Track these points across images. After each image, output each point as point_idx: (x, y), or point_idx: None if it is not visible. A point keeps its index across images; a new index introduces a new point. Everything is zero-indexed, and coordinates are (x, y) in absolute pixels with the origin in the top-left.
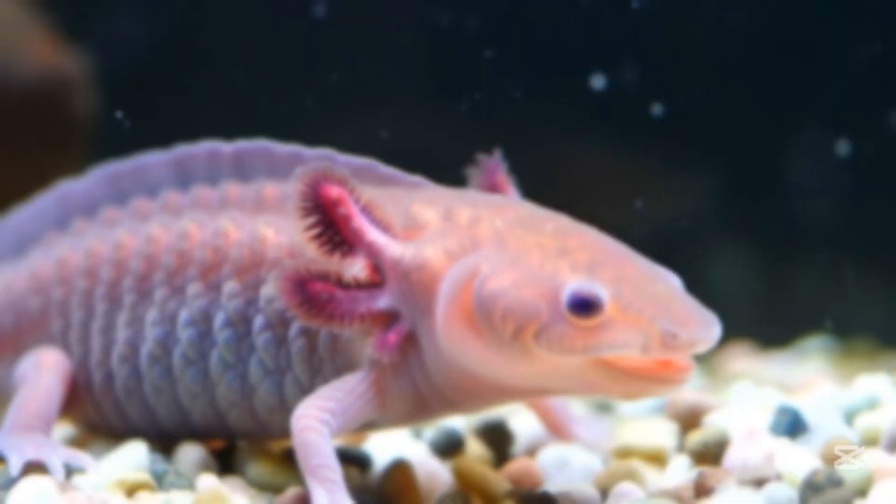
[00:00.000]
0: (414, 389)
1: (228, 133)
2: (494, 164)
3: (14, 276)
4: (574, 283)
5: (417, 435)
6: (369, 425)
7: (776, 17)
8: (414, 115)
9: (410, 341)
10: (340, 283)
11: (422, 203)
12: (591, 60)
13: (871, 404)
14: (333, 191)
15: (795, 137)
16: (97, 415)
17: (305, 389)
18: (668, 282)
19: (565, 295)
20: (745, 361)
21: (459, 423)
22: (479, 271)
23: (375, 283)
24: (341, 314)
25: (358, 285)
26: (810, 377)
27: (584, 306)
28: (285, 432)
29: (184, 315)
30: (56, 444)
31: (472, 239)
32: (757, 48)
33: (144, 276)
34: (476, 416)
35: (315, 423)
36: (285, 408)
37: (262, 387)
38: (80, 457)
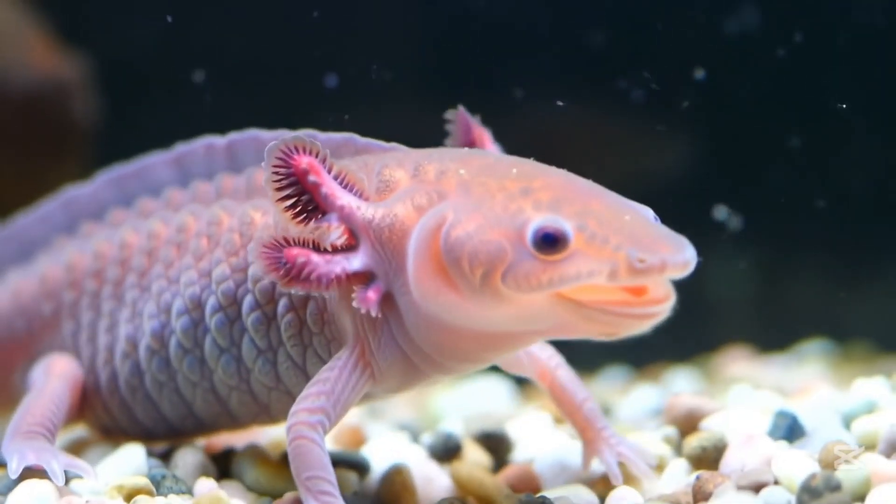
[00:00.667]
0: (400, 354)
1: (223, 131)
2: (465, 118)
3: (24, 282)
4: (538, 220)
5: (415, 439)
6: (369, 397)
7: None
8: (409, 109)
9: (389, 304)
10: (317, 248)
11: (392, 165)
12: (590, 64)
13: (869, 408)
14: (303, 160)
15: (795, 140)
16: (108, 417)
17: (298, 365)
18: (638, 212)
19: (529, 232)
20: (743, 365)
21: (458, 427)
22: (445, 220)
23: (351, 246)
24: (318, 277)
25: (334, 249)
26: (808, 381)
27: (549, 241)
28: (286, 413)
29: (177, 304)
30: (57, 451)
31: (439, 191)
32: (761, 49)
33: (145, 272)
34: (474, 422)
35: (306, 429)
36: (282, 385)
37: (257, 367)
38: (80, 465)
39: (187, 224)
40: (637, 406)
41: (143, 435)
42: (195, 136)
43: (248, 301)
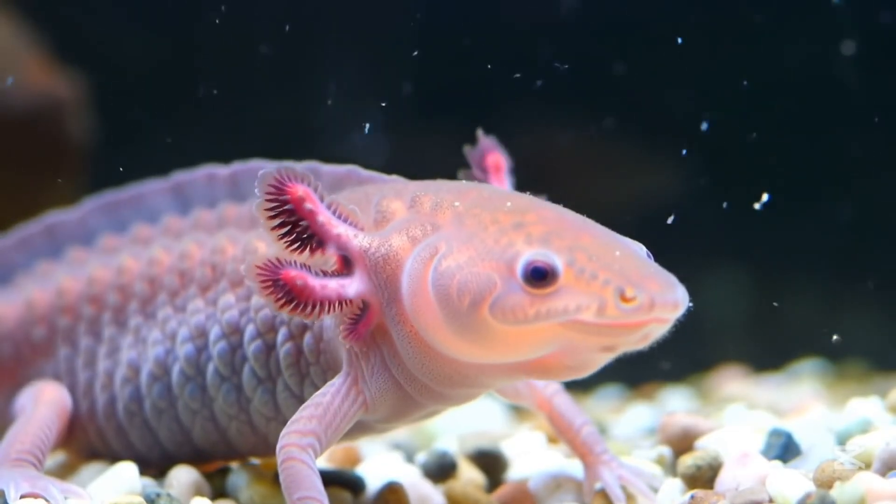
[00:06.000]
0: (394, 384)
1: (221, 154)
2: (486, 143)
3: (8, 307)
4: (528, 253)
5: (410, 458)
6: (364, 430)
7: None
8: (406, 125)
9: (383, 333)
10: (312, 272)
11: (391, 196)
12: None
13: (864, 427)
14: (299, 188)
15: (788, 161)
16: (100, 442)
17: (296, 395)
18: (630, 249)
19: (520, 265)
20: (738, 384)
21: (452, 446)
22: (436, 252)
23: (345, 273)
24: (313, 302)
25: (329, 275)
26: (803, 400)
27: (539, 275)
28: None
29: (182, 332)
30: (48, 478)
31: (433, 223)
32: (763, 63)
33: (149, 299)
34: (469, 440)
35: (297, 451)
36: (280, 416)
37: (256, 396)
38: (74, 489)
39: (191, 252)
40: (631, 425)
41: (136, 460)
42: (190, 155)
43: (249, 330)
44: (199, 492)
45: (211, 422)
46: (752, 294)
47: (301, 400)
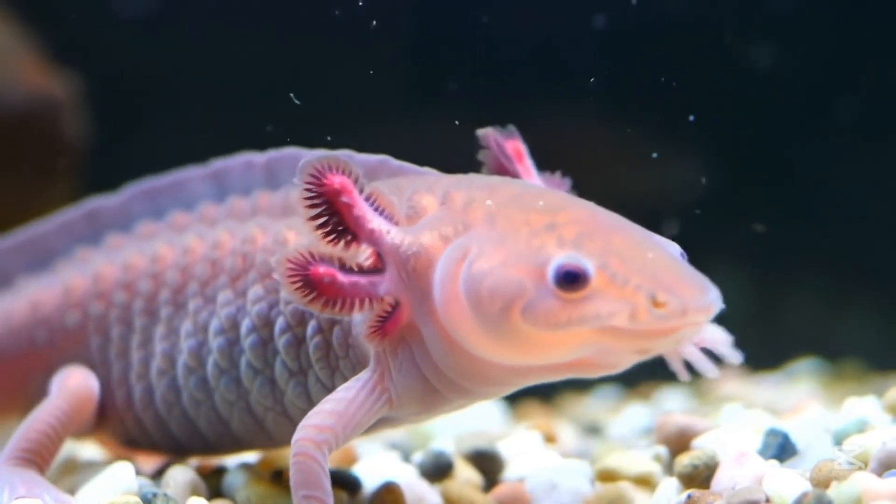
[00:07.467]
0: (421, 380)
1: (216, 152)
2: (496, 139)
3: (45, 292)
4: (560, 257)
5: (407, 458)
6: (387, 422)
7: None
8: (411, 116)
9: (412, 330)
10: (343, 268)
11: (422, 190)
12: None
13: (860, 427)
14: (336, 180)
15: (785, 161)
16: (138, 431)
17: (328, 388)
18: (663, 250)
19: (551, 269)
20: (735, 384)
21: (449, 446)
22: (468, 253)
23: (377, 269)
24: (342, 299)
25: (360, 271)
26: (800, 400)
27: (570, 279)
28: None
29: (214, 324)
30: (46, 483)
31: (465, 221)
32: (770, 69)
33: (180, 288)
34: (465, 440)
35: (311, 447)
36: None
37: (289, 389)
38: (67, 500)
39: (223, 241)
40: (628, 425)
41: (177, 450)
42: (186, 155)
43: (279, 323)
44: (195, 491)
45: (248, 413)
46: (750, 294)
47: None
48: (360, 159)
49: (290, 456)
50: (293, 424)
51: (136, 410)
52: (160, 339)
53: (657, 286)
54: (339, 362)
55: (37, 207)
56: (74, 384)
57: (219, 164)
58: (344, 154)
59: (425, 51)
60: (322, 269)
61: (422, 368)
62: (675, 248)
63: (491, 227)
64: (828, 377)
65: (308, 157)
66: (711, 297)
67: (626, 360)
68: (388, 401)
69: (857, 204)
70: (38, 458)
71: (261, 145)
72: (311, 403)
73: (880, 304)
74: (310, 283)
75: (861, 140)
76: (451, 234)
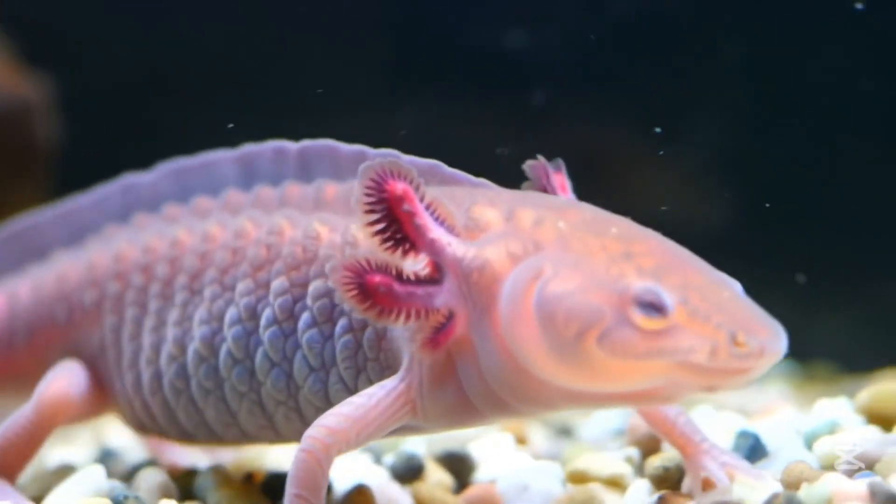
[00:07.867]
0: (460, 395)
1: (190, 149)
2: (544, 167)
3: (71, 266)
4: (641, 287)
5: (378, 460)
6: (409, 429)
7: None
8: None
9: (463, 345)
10: (399, 278)
11: (483, 204)
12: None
13: (831, 429)
14: (399, 186)
15: (763, 165)
16: (146, 416)
17: (349, 388)
18: (733, 289)
19: (633, 299)
20: None
21: (420, 448)
22: (542, 273)
23: (434, 280)
24: (398, 309)
25: (417, 281)
26: (771, 402)
27: (652, 310)
28: None
29: (231, 313)
30: (17, 494)
31: (535, 241)
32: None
33: (197, 274)
34: (437, 442)
35: (318, 447)
36: (330, 406)
37: (307, 384)
38: None
39: (246, 230)
40: (600, 427)
41: (183, 437)
42: (159, 157)
43: (305, 318)
44: (166, 493)
45: (258, 406)
46: None
47: (353, 393)
48: (409, 161)
49: (296, 449)
50: (303, 421)
51: (143, 395)
52: (173, 324)
53: (737, 326)
54: (367, 364)
55: (8, 208)
56: (51, 394)
57: (249, 148)
58: (390, 153)
59: (405, 41)
60: (378, 279)
61: (463, 382)
62: (737, 286)
63: (564, 249)
64: (799, 379)
65: (351, 151)
66: (784, 342)
67: (688, 395)
68: (411, 412)
69: (829, 206)
70: (10, 470)
71: (233, 142)
72: (328, 401)
73: (852, 307)
74: (365, 292)
75: (830, 142)
76: (521, 252)
